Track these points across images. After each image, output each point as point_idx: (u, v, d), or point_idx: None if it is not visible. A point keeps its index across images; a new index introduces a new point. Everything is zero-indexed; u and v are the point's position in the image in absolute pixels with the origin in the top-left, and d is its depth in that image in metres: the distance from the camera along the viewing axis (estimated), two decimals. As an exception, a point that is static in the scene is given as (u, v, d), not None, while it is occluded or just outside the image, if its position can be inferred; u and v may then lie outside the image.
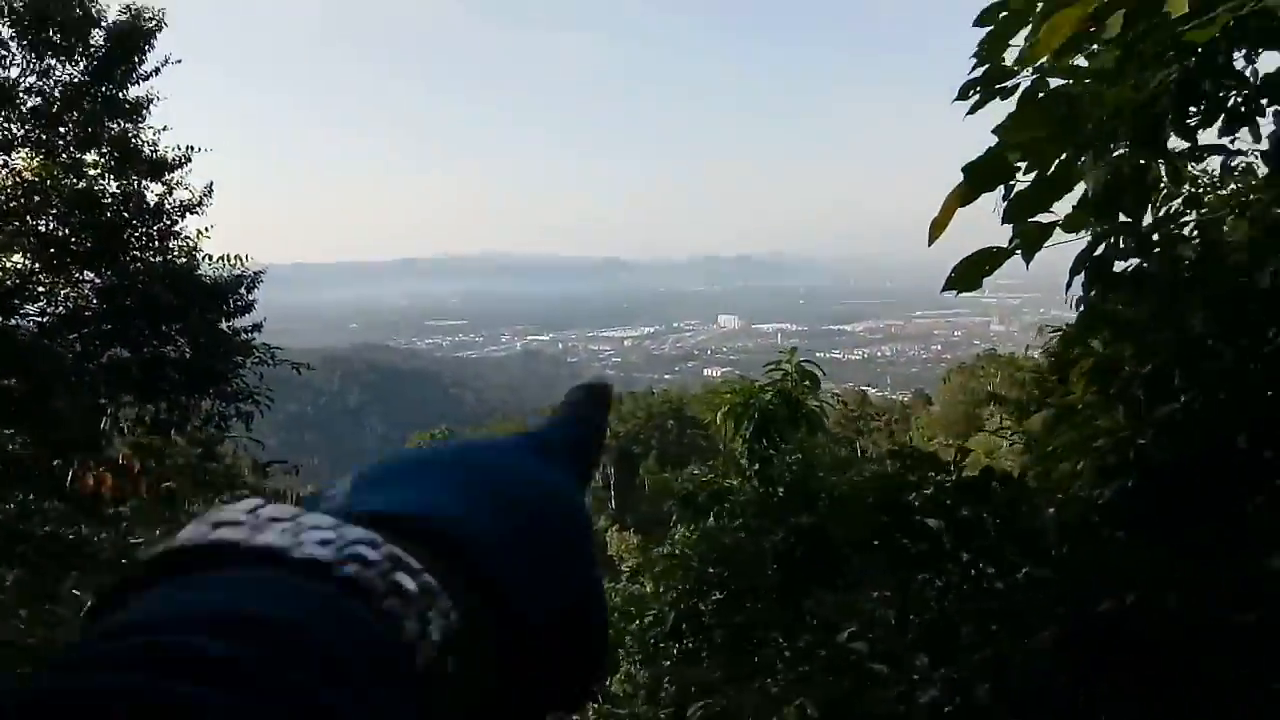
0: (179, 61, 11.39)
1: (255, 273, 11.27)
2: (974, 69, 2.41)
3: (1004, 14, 2.40)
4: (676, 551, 10.56)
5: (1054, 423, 2.08)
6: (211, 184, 11.56)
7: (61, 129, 10.74)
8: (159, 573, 0.30)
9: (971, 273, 2.33)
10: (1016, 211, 2.55)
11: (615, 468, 65.40)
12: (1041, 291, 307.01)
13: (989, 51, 2.36)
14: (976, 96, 2.41)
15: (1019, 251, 2.32)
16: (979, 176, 2.43)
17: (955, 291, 2.31)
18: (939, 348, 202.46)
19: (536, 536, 0.39)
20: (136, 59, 10.96)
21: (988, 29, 2.36)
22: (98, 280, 10.93)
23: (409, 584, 0.30)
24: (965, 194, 2.29)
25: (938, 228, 2.33)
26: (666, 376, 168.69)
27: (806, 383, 11.02)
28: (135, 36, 10.81)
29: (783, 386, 10.95)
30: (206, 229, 11.28)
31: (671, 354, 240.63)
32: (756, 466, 10.59)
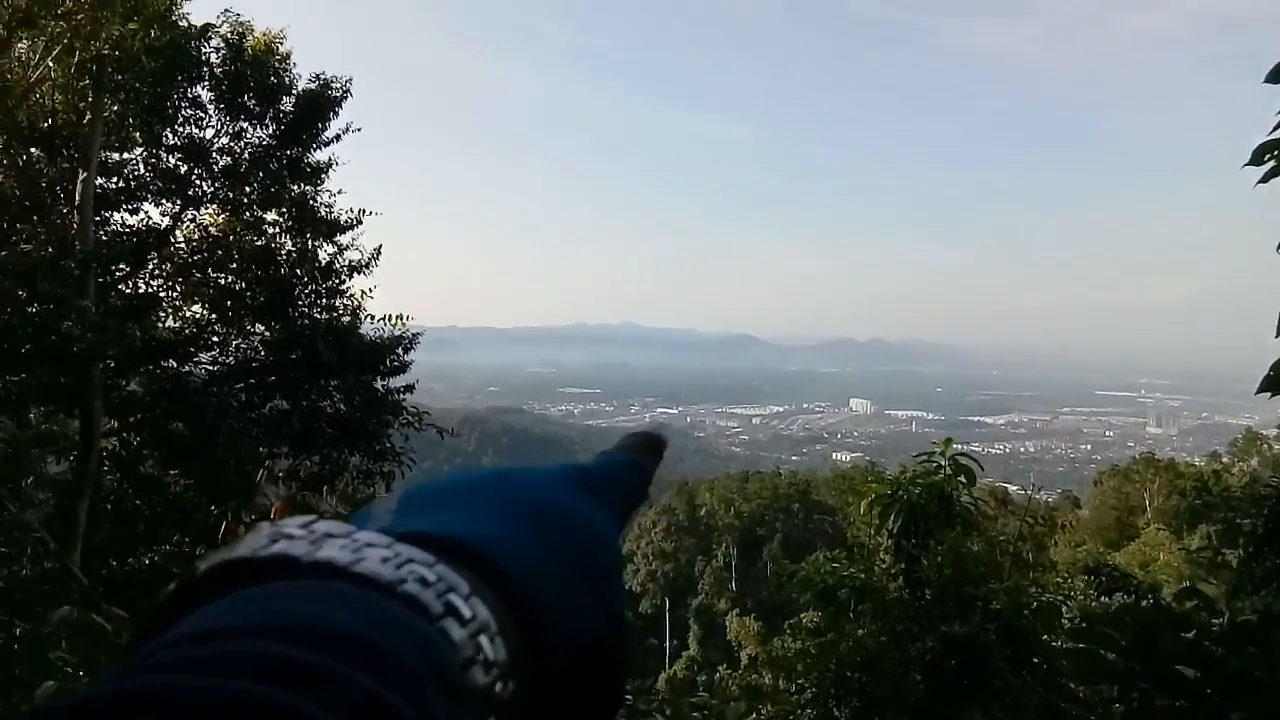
0: (359, 130, 12.12)
1: (413, 334, 11.66)
2: (1276, 129, 2.10)
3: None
4: (812, 649, 9.95)
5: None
6: (380, 247, 12.14)
7: (247, 188, 11.54)
8: (218, 583, 0.30)
9: None
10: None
11: (738, 548, 64.11)
12: (1201, 394, 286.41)
13: None
14: (1273, 163, 2.09)
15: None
16: None
17: (1272, 394, 1.98)
18: (1088, 447, 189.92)
19: (570, 567, 0.39)
20: (321, 125, 11.72)
21: None
22: (267, 333, 11.53)
23: (463, 607, 0.31)
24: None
25: None
26: (794, 458, 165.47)
27: (961, 478, 10.35)
28: (322, 104, 11.58)
29: (933, 479, 10.33)
30: (371, 289, 11.81)
31: (800, 435, 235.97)
32: (903, 565, 9.96)
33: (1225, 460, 53.76)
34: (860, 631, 9.60)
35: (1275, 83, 2.28)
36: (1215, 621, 2.45)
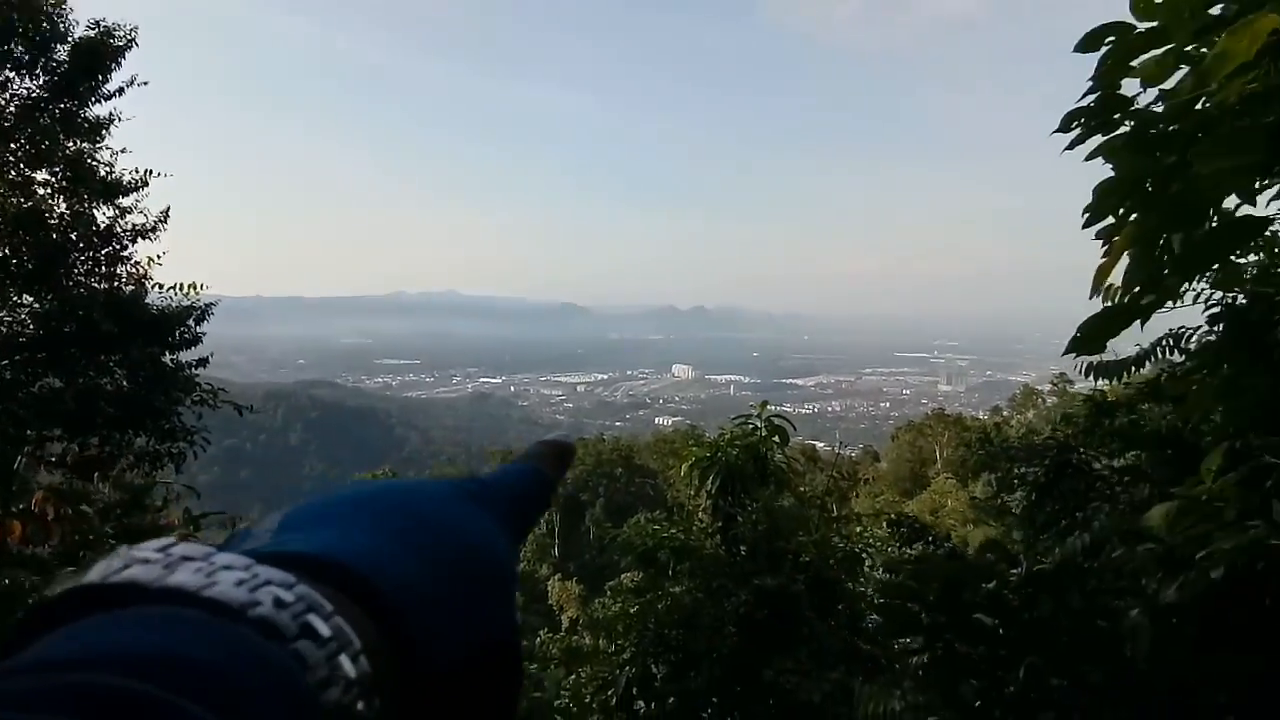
0: (145, 84, 10.84)
1: (206, 304, 10.65)
2: (1084, 96, 2.11)
3: (1112, 39, 2.11)
4: (632, 610, 10.01)
5: (1178, 515, 1.73)
6: (168, 210, 10.98)
7: (13, 145, 10.12)
8: (67, 610, 0.29)
9: (1098, 334, 2.02)
10: (1132, 274, 2.26)
11: (561, 514, 64.52)
12: (986, 354, 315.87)
13: (1106, 77, 2.07)
14: (1079, 129, 2.10)
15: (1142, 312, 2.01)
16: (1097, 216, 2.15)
17: (1078, 354, 2.00)
18: (887, 405, 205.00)
19: (451, 582, 0.39)
20: (101, 77, 10.41)
21: (1099, 53, 2.08)
22: (36, 305, 10.25)
23: (321, 626, 0.31)
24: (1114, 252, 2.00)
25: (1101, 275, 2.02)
26: (617, 424, 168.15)
27: (775, 438, 10.69)
28: (103, 54, 10.28)
29: (750, 441, 10.61)
30: (159, 256, 10.66)
31: (623, 402, 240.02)
32: (720, 523, 10.19)
33: (1005, 414, 59.55)
34: (678, 589, 9.74)
35: (1084, 51, 2.31)
36: (1014, 571, 2.53)
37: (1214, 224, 1.71)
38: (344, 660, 0.31)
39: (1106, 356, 6.01)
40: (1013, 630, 2.40)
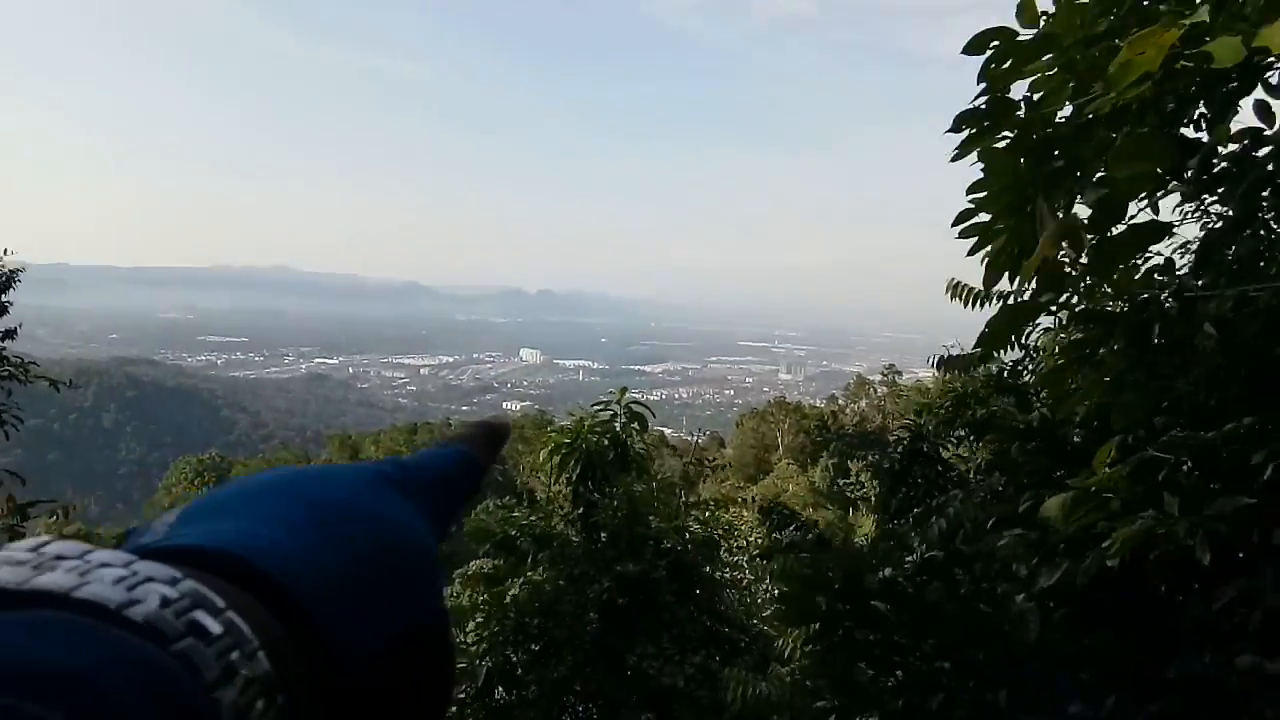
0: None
1: (11, 271, 9.56)
2: (977, 97, 2.19)
3: (996, 43, 2.20)
4: (486, 600, 9.82)
5: (1073, 507, 1.84)
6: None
7: None
8: None
9: (1004, 330, 2.10)
10: (992, 270, 2.36)
11: (406, 501, 62.69)
12: (823, 345, 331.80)
13: (996, 82, 2.15)
14: (969, 132, 2.18)
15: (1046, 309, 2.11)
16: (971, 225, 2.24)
17: (986, 349, 2.07)
18: (731, 392, 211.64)
19: (363, 571, 0.38)
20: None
21: (984, 56, 2.16)
22: None
23: (210, 624, 0.29)
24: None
25: (1027, 270, 2.09)
26: (464, 408, 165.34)
27: (634, 424, 10.77)
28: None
29: (610, 428, 10.65)
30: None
31: (470, 385, 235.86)
32: (581, 510, 10.18)
33: (840, 403, 62.82)
34: (538, 577, 9.67)
35: (971, 54, 2.39)
36: (908, 559, 2.64)
37: (1122, 227, 1.82)
38: (237, 657, 0.29)
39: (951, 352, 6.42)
40: (905, 616, 2.51)
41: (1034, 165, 2.41)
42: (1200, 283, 2.08)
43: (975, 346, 2.21)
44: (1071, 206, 2.42)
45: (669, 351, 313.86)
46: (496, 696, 9.26)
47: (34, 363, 9.60)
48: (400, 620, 0.39)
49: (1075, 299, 2.33)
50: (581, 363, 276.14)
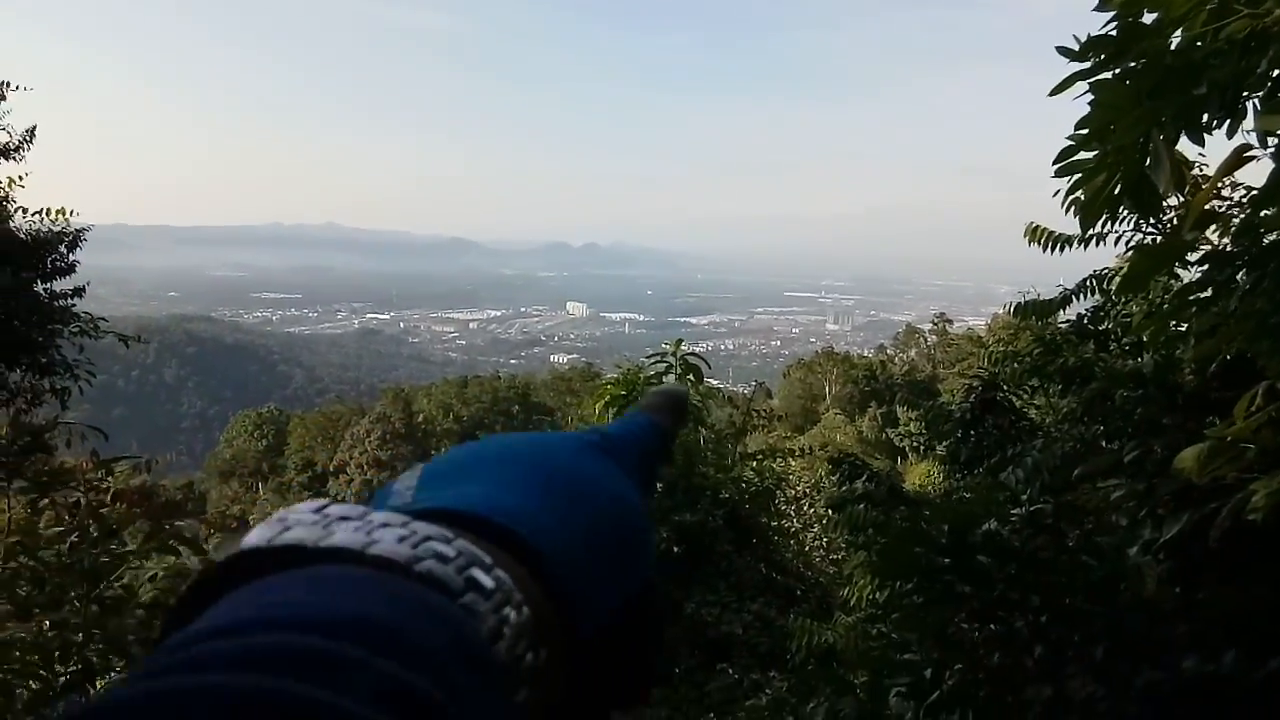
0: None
1: (77, 230, 9.75)
2: (1107, 24, 2.02)
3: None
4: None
5: (1209, 457, 1.73)
6: (35, 128, 9.94)
7: None
8: (231, 577, 0.29)
9: (1145, 271, 1.98)
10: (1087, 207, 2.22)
11: (457, 453, 63.79)
12: (871, 294, 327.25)
13: (1127, 6, 1.98)
14: (1092, 61, 2.01)
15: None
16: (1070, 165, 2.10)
17: (1126, 292, 1.95)
18: (778, 343, 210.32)
19: (599, 537, 0.39)
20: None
21: None
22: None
23: (485, 579, 0.31)
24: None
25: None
26: (512, 361, 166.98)
27: (690, 376, 10.70)
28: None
29: (663, 379, 10.60)
30: (21, 177, 9.65)
31: (518, 339, 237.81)
32: (637, 461, 10.21)
33: (889, 352, 62.14)
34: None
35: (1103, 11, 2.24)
36: (1014, 511, 2.55)
37: None
38: (510, 612, 0.30)
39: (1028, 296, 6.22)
40: (1009, 569, 2.43)
41: (1154, 97, 2.24)
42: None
43: (1118, 290, 2.08)
44: (1176, 143, 2.26)
45: (715, 303, 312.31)
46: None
47: (104, 318, 9.84)
48: (630, 583, 0.40)
49: (1218, 238, 2.19)
50: (628, 315, 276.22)
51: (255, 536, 0.31)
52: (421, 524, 0.32)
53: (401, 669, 0.24)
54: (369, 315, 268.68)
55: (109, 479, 3.67)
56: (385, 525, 0.31)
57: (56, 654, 2.61)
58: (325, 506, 0.32)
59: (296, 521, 0.31)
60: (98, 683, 2.62)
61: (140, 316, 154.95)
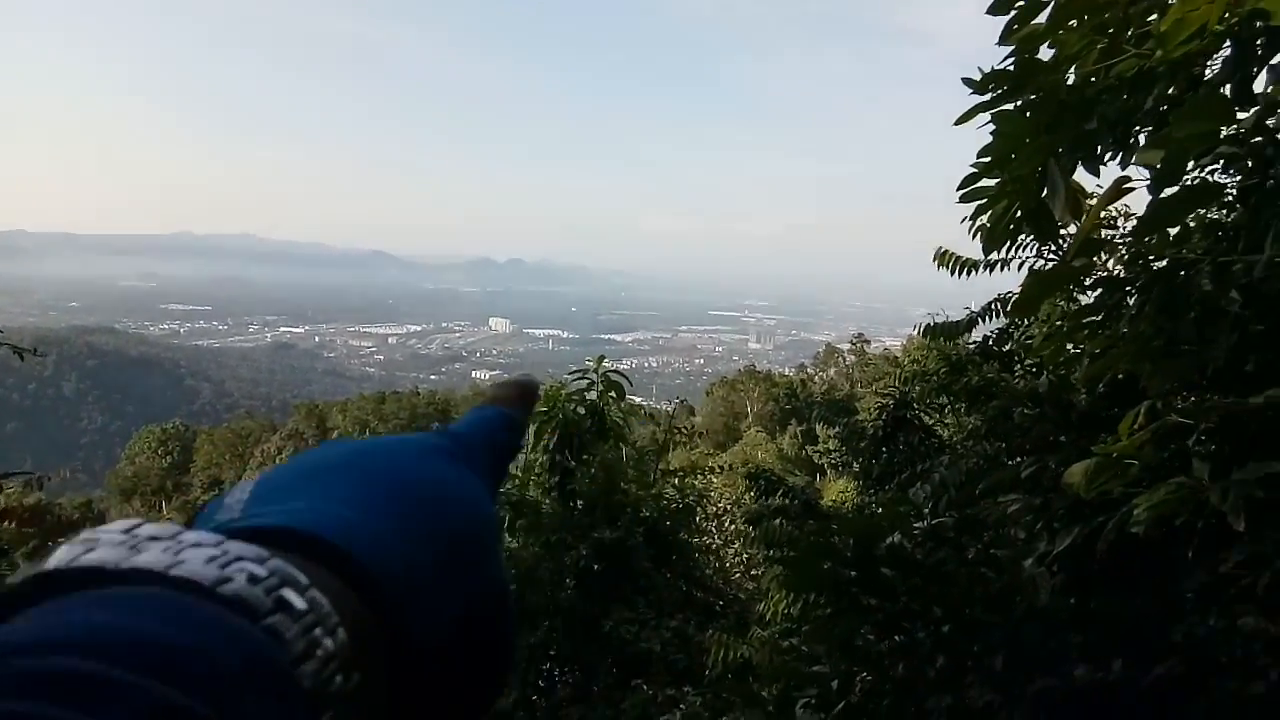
0: None
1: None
2: (1005, 59, 2.12)
3: (1021, 3, 2.14)
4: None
5: (1096, 473, 1.81)
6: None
7: None
8: (28, 597, 0.28)
9: (1037, 295, 2.06)
10: (991, 235, 2.32)
11: (375, 470, 62.43)
12: (792, 314, 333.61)
13: (1023, 44, 2.09)
14: (993, 93, 2.11)
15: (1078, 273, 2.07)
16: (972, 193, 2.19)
17: (1017, 315, 2.02)
18: (701, 361, 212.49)
19: (440, 544, 0.39)
20: None
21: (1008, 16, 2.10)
22: None
23: (296, 600, 0.30)
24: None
25: (1079, 237, 2.03)
26: (433, 377, 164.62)
27: (612, 393, 10.71)
28: None
29: (589, 397, 10.59)
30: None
31: (439, 354, 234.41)
32: (557, 479, 10.14)
33: (810, 371, 63.46)
34: (514, 545, 9.66)
35: (995, 14, 2.36)
36: (918, 526, 2.62)
37: (1180, 187, 1.78)
38: (320, 634, 0.30)
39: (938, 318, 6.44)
40: (912, 581, 2.50)
41: (1051, 130, 2.35)
42: (1240, 245, 2.06)
43: (1010, 313, 2.17)
44: (1073, 173, 2.38)
45: (639, 321, 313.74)
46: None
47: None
48: (469, 594, 0.40)
49: (1111, 263, 2.30)
50: (551, 332, 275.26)
51: (58, 557, 0.30)
52: (236, 543, 0.31)
53: (175, 691, 0.23)
54: (282, 329, 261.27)
55: (-2, 498, 3.47)
56: (196, 545, 0.30)
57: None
58: (136, 526, 0.31)
59: (102, 542, 0.30)
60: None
61: (39, 327, 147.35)
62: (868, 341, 61.72)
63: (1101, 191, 2.60)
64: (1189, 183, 1.88)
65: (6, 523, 3.25)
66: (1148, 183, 1.74)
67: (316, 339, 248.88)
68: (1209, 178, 2.06)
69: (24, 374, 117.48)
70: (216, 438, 61.55)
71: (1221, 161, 2.09)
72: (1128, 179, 1.90)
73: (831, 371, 60.91)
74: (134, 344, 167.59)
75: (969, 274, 5.11)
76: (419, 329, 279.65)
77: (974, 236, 2.66)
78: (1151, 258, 2.17)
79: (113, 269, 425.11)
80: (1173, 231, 2.19)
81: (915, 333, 6.54)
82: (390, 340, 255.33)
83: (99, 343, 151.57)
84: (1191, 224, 2.21)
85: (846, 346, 62.15)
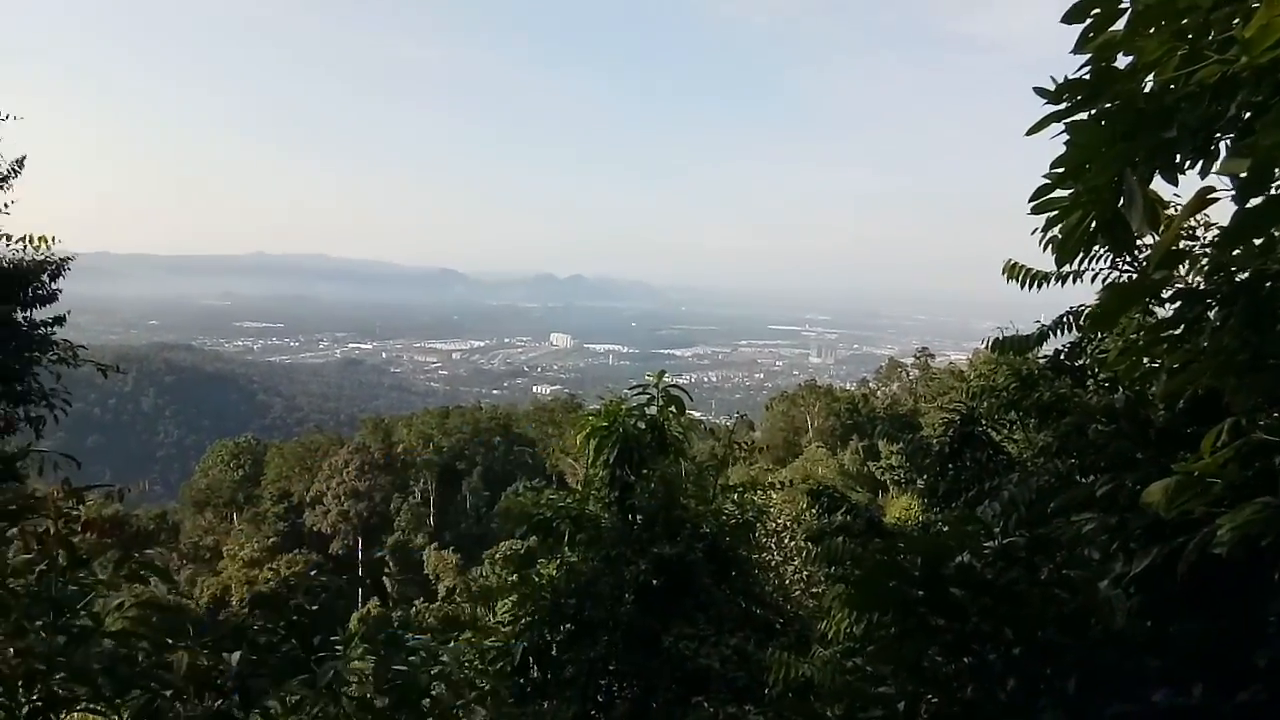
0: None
1: (61, 259, 9.71)
2: (1082, 67, 2.08)
3: (1097, 10, 2.09)
4: (516, 581, 9.87)
5: (1177, 492, 1.75)
6: (24, 159, 9.96)
7: None
8: None
9: (1115, 309, 2.02)
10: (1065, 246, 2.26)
11: (436, 484, 63.30)
12: (853, 329, 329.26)
13: (1100, 51, 2.04)
14: (1068, 102, 2.07)
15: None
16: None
17: (1096, 329, 1.98)
18: (761, 375, 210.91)
19: None
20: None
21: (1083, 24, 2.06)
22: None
23: None
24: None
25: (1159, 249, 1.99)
26: (495, 392, 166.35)
27: (672, 408, 10.68)
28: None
29: (649, 412, 10.58)
30: (7, 205, 9.63)
31: (501, 369, 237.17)
32: (617, 494, 10.14)
33: (871, 385, 62.49)
34: (575, 558, 9.67)
35: (1070, 23, 2.33)
36: (987, 545, 2.57)
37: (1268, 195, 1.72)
38: None
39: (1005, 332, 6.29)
40: (982, 602, 2.44)
41: (1128, 139, 2.29)
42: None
43: (1089, 327, 2.12)
44: (1150, 183, 2.30)
45: (699, 335, 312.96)
46: (532, 675, 9.29)
47: (83, 346, 9.76)
48: None
49: (1190, 275, 2.23)
50: (612, 347, 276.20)
51: None
52: None
53: None
54: (351, 345, 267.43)
55: (80, 508, 3.62)
56: None
57: (20, 683, 2.55)
58: None
59: None
60: (62, 714, 2.57)
61: (120, 345, 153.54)
62: (932, 355, 60.56)
63: (1178, 202, 2.52)
64: (1275, 192, 1.81)
65: (88, 534, 3.38)
66: (1232, 192, 1.68)
67: (384, 355, 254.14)
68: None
69: (105, 389, 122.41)
70: (286, 451, 63.12)
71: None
72: (1211, 189, 1.84)
73: (894, 386, 59.86)
74: (210, 360, 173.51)
75: (1039, 287, 4.98)
76: (482, 344, 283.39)
77: (1045, 248, 2.60)
78: (1234, 269, 2.09)
79: (191, 288, 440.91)
80: (1256, 243, 2.10)
81: (982, 346, 6.41)
82: (454, 356, 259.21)
83: (177, 359, 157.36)
84: (1276, 234, 2.12)
85: (910, 360, 61.07)
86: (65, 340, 9.64)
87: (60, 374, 9.34)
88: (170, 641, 2.77)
